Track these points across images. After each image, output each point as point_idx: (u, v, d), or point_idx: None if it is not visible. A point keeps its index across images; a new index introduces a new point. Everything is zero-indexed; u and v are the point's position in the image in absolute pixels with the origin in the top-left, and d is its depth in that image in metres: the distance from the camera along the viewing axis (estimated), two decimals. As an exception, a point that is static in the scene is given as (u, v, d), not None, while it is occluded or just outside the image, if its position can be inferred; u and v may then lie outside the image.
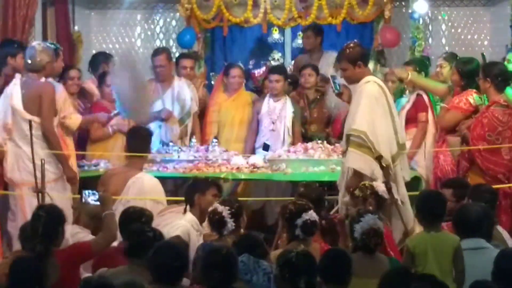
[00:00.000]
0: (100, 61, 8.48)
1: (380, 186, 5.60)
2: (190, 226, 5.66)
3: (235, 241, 4.87)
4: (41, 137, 6.55)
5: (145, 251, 4.48)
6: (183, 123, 8.20)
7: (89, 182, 6.73)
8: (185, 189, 6.02)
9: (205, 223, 5.67)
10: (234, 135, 8.26)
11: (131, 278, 4.18)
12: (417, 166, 7.33)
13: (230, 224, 5.24)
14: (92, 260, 5.17)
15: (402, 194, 5.97)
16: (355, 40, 6.51)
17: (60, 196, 6.47)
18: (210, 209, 5.35)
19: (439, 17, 10.51)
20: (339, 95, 6.34)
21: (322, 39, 9.34)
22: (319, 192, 5.97)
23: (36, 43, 7.00)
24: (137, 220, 5.18)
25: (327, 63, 8.92)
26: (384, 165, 5.85)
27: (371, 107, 5.88)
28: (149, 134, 6.81)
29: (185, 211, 5.82)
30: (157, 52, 8.40)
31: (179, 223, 5.65)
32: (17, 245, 6.29)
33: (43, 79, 6.69)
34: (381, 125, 5.89)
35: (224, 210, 5.26)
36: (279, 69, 8.47)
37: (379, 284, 4.17)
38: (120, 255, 4.82)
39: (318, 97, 8.50)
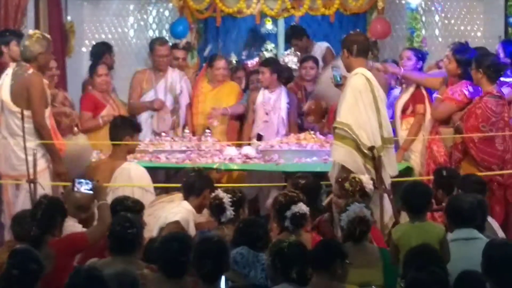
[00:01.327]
0: (103, 51, 8.51)
1: (368, 184, 5.59)
2: (188, 213, 5.67)
3: (237, 228, 4.85)
4: (30, 129, 6.42)
5: (127, 248, 4.50)
6: (175, 114, 8.21)
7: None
8: (193, 179, 5.89)
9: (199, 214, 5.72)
10: (219, 126, 8.25)
11: (123, 267, 4.17)
12: (413, 154, 7.32)
13: (229, 212, 5.28)
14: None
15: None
16: (358, 31, 6.61)
17: (52, 185, 6.46)
18: (212, 194, 5.40)
19: (433, 8, 10.52)
20: (338, 86, 6.38)
21: (307, 37, 9.41)
22: (316, 185, 6.00)
23: (32, 31, 6.87)
24: (121, 209, 5.13)
25: (317, 54, 8.96)
26: (375, 156, 5.88)
27: (355, 99, 5.95)
28: (132, 123, 6.81)
29: (186, 198, 5.79)
30: (161, 42, 8.45)
31: (178, 209, 5.65)
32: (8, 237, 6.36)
33: (31, 70, 6.52)
34: (365, 118, 5.94)
35: (226, 197, 5.31)
36: (266, 62, 8.48)
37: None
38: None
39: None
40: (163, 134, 7.76)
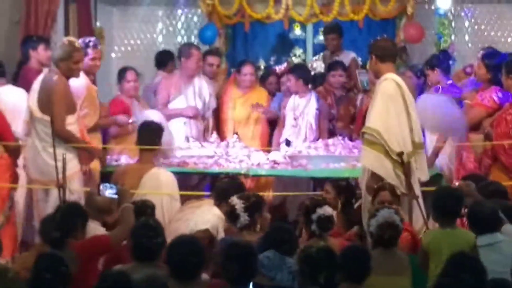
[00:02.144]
0: (168, 59, 8.63)
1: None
2: (220, 221, 5.69)
3: (265, 233, 4.85)
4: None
5: (151, 256, 4.51)
6: (205, 120, 8.23)
7: (109, 177, 6.77)
8: (225, 185, 5.96)
9: None
10: (250, 133, 8.27)
11: (153, 272, 4.19)
12: (440, 156, 7.27)
13: (244, 218, 5.28)
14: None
15: None
16: (385, 36, 6.62)
17: (80, 190, 6.50)
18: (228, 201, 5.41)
19: (462, 14, 10.47)
20: (366, 91, 6.38)
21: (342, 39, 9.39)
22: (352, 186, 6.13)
23: (71, 39, 6.88)
24: (141, 214, 5.17)
25: (344, 62, 8.95)
26: (405, 162, 5.84)
27: (385, 105, 5.92)
28: (159, 128, 6.82)
29: (217, 204, 5.81)
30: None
31: (209, 217, 5.70)
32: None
33: (55, 76, 6.49)
34: (395, 124, 5.92)
35: (238, 203, 5.31)
36: (292, 68, 8.59)
37: None
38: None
39: (344, 94, 8.53)
40: (191, 139, 7.76)
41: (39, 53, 7.32)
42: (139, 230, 4.66)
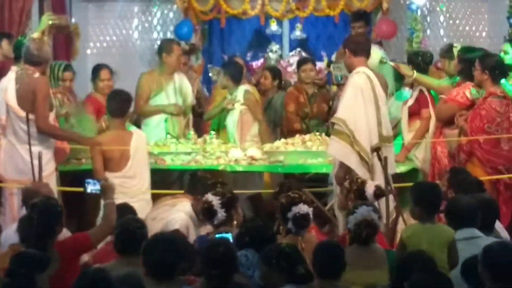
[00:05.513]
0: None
1: (370, 187, 5.53)
2: (188, 218, 5.69)
3: (243, 230, 4.80)
4: (35, 133, 6.39)
5: (135, 247, 4.49)
6: (186, 116, 8.20)
7: (88, 175, 6.74)
8: (198, 181, 6.00)
9: None
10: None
11: (130, 270, 4.16)
12: (416, 159, 7.32)
13: (221, 214, 5.27)
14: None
15: None
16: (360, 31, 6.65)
17: (58, 189, 6.48)
18: (203, 199, 5.40)
19: (437, 9, 10.53)
20: (339, 85, 6.45)
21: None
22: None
23: (36, 35, 6.90)
24: (125, 215, 5.15)
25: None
26: (381, 157, 5.91)
27: (354, 96, 6.06)
28: (129, 97, 6.85)
29: (195, 200, 5.81)
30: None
31: (177, 217, 5.69)
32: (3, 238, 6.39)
33: (37, 74, 6.49)
34: (362, 115, 6.02)
35: (215, 200, 5.30)
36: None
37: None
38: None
39: (316, 91, 8.53)
40: (168, 136, 7.75)
41: (3, 47, 7.31)
42: (125, 221, 4.76)
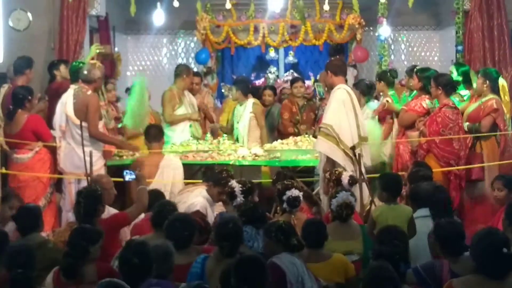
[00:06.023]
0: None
1: (345, 176, 5.53)
2: (205, 201, 5.67)
3: (242, 211, 4.74)
4: (87, 137, 6.42)
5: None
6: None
7: (127, 167, 6.74)
8: (219, 174, 5.84)
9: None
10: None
11: (163, 241, 4.15)
12: (384, 155, 7.32)
13: (240, 198, 5.26)
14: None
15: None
16: (338, 57, 6.61)
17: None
18: (228, 183, 5.38)
19: (399, 39, 10.56)
20: (322, 99, 6.41)
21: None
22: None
23: (93, 61, 6.89)
24: (156, 198, 5.21)
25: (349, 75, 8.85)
26: (356, 154, 5.90)
27: (338, 107, 6.04)
28: (161, 130, 6.87)
29: (209, 186, 5.76)
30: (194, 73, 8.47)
31: (196, 201, 5.65)
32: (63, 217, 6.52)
33: (89, 92, 6.54)
34: (345, 121, 6.02)
35: (237, 186, 5.29)
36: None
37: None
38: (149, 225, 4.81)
39: (305, 102, 8.53)
40: (190, 138, 7.73)
41: (61, 71, 7.38)
42: (162, 203, 4.81)
